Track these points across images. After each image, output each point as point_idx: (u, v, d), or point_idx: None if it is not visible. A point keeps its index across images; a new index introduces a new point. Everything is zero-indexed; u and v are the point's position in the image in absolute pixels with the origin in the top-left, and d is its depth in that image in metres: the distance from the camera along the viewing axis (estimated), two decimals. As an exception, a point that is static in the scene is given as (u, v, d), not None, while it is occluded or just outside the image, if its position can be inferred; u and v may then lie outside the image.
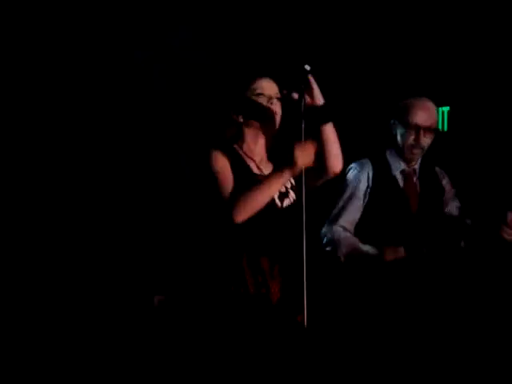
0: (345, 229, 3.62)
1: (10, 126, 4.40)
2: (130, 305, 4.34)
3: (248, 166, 3.09)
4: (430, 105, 3.70)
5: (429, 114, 3.66)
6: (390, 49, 4.55)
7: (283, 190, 3.09)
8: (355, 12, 4.54)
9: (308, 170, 3.02)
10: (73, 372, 4.07)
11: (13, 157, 4.42)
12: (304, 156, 2.95)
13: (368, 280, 3.55)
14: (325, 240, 3.64)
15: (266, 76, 3.14)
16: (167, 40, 4.47)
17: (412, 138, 3.64)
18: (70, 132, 4.49)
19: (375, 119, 4.22)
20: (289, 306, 3.04)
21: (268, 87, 3.09)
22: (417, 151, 3.66)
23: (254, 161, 3.12)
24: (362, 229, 3.64)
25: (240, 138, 3.12)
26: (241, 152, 3.11)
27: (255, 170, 3.11)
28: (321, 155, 3.05)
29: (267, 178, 3.02)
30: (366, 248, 3.57)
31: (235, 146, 3.12)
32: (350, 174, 3.68)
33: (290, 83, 3.03)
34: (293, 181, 3.13)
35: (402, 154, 3.69)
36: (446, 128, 4.39)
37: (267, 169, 3.13)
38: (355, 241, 3.60)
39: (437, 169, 3.84)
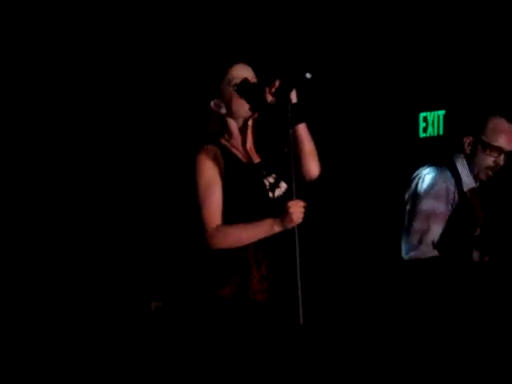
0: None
1: (9, 126, 4.42)
2: (127, 310, 4.35)
3: (236, 157, 3.05)
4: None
5: (511, 137, 3.56)
6: (387, 53, 4.57)
7: (272, 180, 3.06)
8: (354, 15, 4.56)
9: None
10: (71, 373, 4.09)
11: (14, 157, 4.43)
12: (297, 213, 2.90)
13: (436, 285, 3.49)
14: None
15: (237, 62, 3.06)
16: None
17: (492, 159, 3.54)
18: (69, 132, 4.51)
19: (369, 121, 4.23)
20: (279, 301, 3.02)
21: (242, 74, 3.01)
22: (493, 173, 3.58)
23: (242, 151, 3.08)
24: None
25: (225, 131, 3.08)
26: (228, 144, 3.06)
27: (244, 160, 3.07)
28: (297, 159, 3.01)
29: (257, 223, 2.95)
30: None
31: (221, 139, 3.07)
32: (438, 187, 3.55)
33: (286, 86, 2.99)
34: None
35: (473, 170, 3.58)
36: (441, 132, 4.40)
37: (256, 159, 3.10)
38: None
39: None
